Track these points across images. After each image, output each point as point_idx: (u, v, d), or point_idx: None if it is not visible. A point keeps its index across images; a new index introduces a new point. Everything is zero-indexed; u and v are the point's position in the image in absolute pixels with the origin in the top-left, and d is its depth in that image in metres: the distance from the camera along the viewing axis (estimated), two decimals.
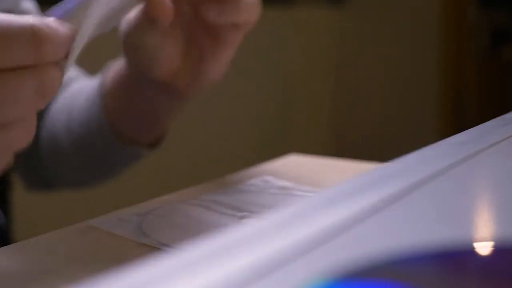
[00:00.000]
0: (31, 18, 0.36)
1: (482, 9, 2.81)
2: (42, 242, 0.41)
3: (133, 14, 0.52)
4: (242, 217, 0.44)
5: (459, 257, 0.20)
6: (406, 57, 2.85)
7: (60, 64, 0.38)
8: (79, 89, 0.67)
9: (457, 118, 2.79)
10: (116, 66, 0.60)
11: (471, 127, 0.38)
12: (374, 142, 3.00)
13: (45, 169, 0.69)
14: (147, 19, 0.50)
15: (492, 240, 0.21)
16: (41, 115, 0.68)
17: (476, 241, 0.21)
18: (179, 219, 0.44)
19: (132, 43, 0.53)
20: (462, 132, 0.37)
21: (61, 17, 0.39)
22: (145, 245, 0.40)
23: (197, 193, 0.50)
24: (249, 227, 0.22)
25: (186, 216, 0.45)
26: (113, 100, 0.60)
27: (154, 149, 0.63)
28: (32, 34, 0.36)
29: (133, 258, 0.38)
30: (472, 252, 0.20)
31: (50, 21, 0.37)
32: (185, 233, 0.41)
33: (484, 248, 0.21)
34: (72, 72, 0.70)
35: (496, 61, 2.86)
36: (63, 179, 0.70)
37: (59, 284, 0.35)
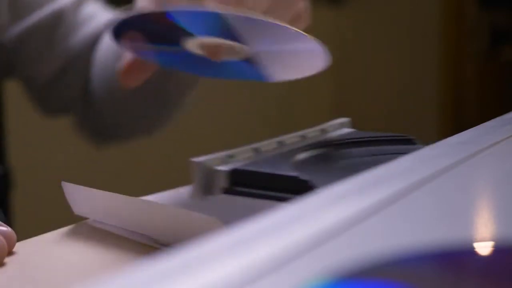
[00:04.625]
0: None
1: (482, 9, 2.81)
2: (42, 242, 0.41)
3: None
4: None
5: (459, 257, 0.20)
6: (406, 57, 2.85)
7: None
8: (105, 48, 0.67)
9: (457, 118, 2.79)
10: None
11: (471, 127, 0.38)
12: None
13: (102, 115, 0.69)
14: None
15: (492, 240, 0.21)
16: (87, 59, 0.68)
17: (476, 241, 0.21)
18: None
19: None
20: (462, 132, 0.37)
21: None
22: (145, 245, 0.40)
23: None
24: (249, 227, 0.22)
25: None
26: None
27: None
28: None
29: (133, 258, 0.38)
30: (472, 252, 0.20)
31: None
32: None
33: (484, 248, 0.21)
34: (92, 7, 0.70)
35: (496, 61, 2.86)
36: (121, 125, 0.72)
37: (59, 284, 0.35)
